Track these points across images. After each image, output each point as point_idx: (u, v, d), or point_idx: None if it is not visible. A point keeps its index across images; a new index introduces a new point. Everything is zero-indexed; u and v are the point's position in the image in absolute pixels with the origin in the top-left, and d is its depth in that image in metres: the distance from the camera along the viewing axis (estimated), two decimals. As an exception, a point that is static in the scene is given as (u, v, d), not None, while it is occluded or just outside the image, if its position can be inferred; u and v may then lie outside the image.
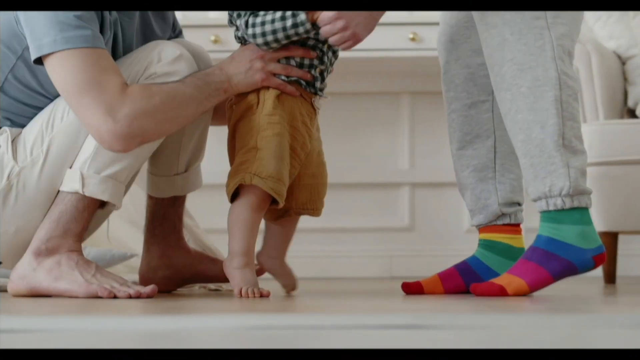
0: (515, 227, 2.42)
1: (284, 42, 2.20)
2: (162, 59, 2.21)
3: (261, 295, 2.15)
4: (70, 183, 2.18)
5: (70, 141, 2.20)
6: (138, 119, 2.11)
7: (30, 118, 2.25)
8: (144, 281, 2.44)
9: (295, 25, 2.17)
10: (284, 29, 2.18)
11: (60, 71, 2.12)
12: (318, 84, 2.27)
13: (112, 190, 2.19)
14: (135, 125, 2.11)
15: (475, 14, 2.25)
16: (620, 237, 3.69)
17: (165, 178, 2.39)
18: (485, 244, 2.41)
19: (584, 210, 2.20)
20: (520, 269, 2.19)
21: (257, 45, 2.22)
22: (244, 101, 2.23)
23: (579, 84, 2.25)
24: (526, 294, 2.17)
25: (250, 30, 2.20)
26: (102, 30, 2.21)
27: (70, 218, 2.18)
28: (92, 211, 2.21)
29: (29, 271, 2.19)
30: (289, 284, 2.35)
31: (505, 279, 2.19)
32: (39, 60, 2.15)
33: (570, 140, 2.18)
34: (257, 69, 2.22)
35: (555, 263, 2.18)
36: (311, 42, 2.25)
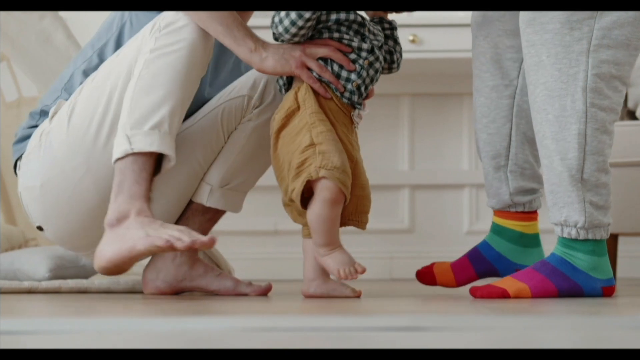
0: (529, 214, 2.39)
1: (299, 26, 2.21)
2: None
3: (360, 272, 2.18)
4: (118, 148, 2.21)
5: (92, 103, 2.30)
6: None
7: None
8: (144, 280, 2.45)
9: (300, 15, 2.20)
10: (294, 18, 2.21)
11: None
12: (355, 98, 2.26)
13: (159, 140, 2.20)
14: None
15: (520, 27, 2.21)
16: (620, 239, 3.70)
17: (193, 175, 2.41)
18: (496, 229, 2.39)
19: (599, 242, 2.19)
20: (526, 275, 2.18)
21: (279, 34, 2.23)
22: (284, 108, 2.22)
23: (617, 112, 2.18)
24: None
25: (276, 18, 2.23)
26: None
27: (131, 182, 2.20)
28: (149, 169, 2.22)
29: (105, 244, 2.20)
30: (346, 292, 2.27)
31: (508, 282, 2.18)
32: None
33: (591, 174, 2.15)
34: (294, 55, 2.23)
35: (563, 281, 2.17)
36: (353, 56, 2.25)
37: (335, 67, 2.24)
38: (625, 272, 3.93)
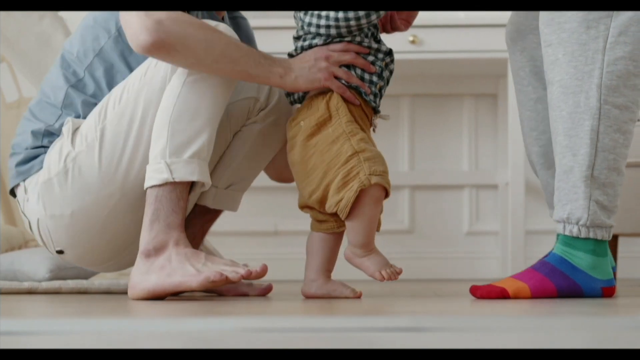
0: None
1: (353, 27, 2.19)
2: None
3: (399, 273, 2.19)
4: (157, 175, 2.16)
5: (123, 128, 2.22)
6: (170, 20, 2.11)
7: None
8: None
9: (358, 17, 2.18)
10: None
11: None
12: (377, 101, 2.26)
13: (199, 169, 2.17)
14: (165, 23, 2.10)
15: (540, 27, 2.21)
16: (621, 240, 3.70)
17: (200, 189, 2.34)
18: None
19: (600, 242, 2.18)
20: (526, 276, 2.18)
21: (324, 30, 2.20)
22: (314, 116, 2.20)
23: (633, 111, 2.17)
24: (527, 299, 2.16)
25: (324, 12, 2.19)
26: None
27: (169, 211, 2.16)
28: (186, 197, 2.19)
29: (142, 275, 2.17)
30: (347, 293, 2.27)
31: (507, 282, 2.18)
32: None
33: (600, 171, 2.15)
34: (320, 68, 2.20)
35: (562, 280, 2.17)
36: (371, 58, 2.24)
37: (358, 71, 2.23)
38: (625, 273, 3.93)
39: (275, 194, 4.13)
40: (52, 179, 2.26)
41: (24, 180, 2.31)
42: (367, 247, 2.20)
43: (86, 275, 2.80)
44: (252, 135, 2.41)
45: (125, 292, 2.63)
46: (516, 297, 2.16)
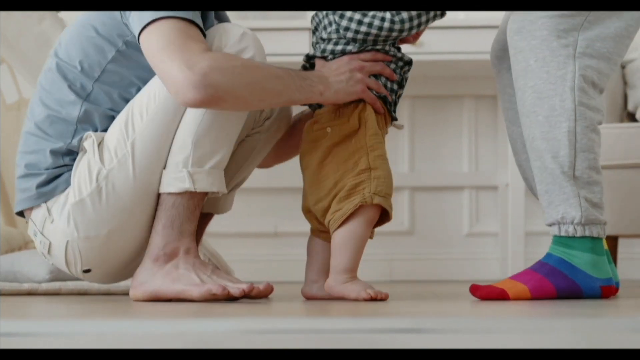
0: None
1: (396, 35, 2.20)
2: (226, 42, 2.19)
3: (382, 299, 2.15)
4: (178, 183, 2.16)
5: (154, 139, 2.18)
6: (214, 71, 2.06)
7: (115, 112, 2.24)
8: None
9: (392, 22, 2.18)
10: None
11: (151, 37, 2.11)
12: (395, 109, 2.27)
13: (219, 180, 2.18)
14: (211, 76, 2.05)
15: (508, 36, 2.25)
16: (620, 241, 3.70)
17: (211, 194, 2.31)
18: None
19: (596, 240, 2.19)
20: (525, 277, 2.18)
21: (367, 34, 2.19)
22: (345, 126, 2.20)
23: (602, 114, 2.22)
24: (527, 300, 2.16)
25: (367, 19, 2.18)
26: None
27: (184, 219, 2.17)
28: (201, 206, 2.20)
29: (148, 277, 2.18)
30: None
31: (507, 284, 2.18)
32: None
33: (582, 171, 2.17)
34: (357, 80, 2.20)
35: (561, 280, 2.17)
36: (392, 66, 2.24)
37: (382, 79, 2.24)
38: (625, 274, 3.93)
39: (275, 196, 4.14)
40: (85, 199, 2.18)
41: (45, 202, 2.24)
42: (352, 272, 2.18)
43: (86, 277, 2.80)
44: (257, 144, 2.41)
45: (124, 294, 2.63)
46: (516, 299, 2.16)
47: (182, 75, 2.05)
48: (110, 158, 2.18)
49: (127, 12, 2.18)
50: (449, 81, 4.10)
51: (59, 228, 2.21)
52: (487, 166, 4.15)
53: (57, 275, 2.74)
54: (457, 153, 4.15)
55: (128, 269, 2.31)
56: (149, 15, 2.12)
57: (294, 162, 2.40)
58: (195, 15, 2.15)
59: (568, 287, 2.18)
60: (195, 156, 2.16)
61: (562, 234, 2.19)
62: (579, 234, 2.18)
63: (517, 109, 2.38)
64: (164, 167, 2.19)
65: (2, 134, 3.42)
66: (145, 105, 2.18)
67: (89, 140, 2.20)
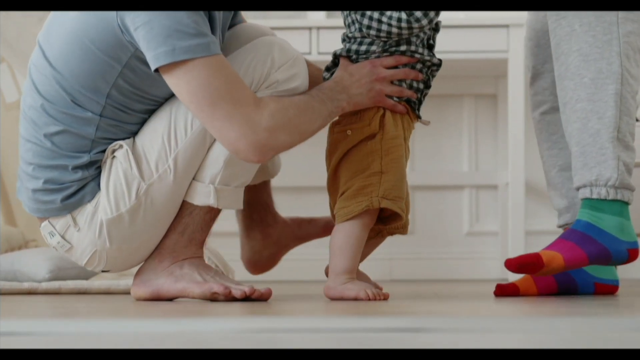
0: None
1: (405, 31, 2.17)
2: (279, 65, 2.18)
3: (385, 296, 2.16)
4: (203, 198, 2.18)
5: (195, 154, 2.16)
6: (277, 132, 2.08)
7: (134, 124, 2.18)
8: (251, 265, 2.45)
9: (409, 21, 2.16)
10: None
11: (184, 84, 2.05)
12: (420, 107, 2.27)
13: (240, 198, 2.22)
14: (274, 138, 2.08)
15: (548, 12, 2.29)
16: (620, 240, 3.68)
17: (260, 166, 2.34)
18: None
19: (624, 205, 2.24)
20: (558, 245, 2.21)
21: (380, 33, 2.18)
22: (364, 130, 2.21)
23: (639, 84, 2.28)
24: (561, 269, 2.18)
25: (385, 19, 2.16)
26: (212, 32, 2.14)
27: (197, 228, 2.21)
28: (216, 218, 2.23)
29: (152, 275, 2.21)
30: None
31: (541, 252, 2.19)
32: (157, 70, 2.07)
33: (624, 134, 2.23)
34: (377, 92, 2.20)
35: (592, 246, 2.21)
36: (419, 66, 2.24)
37: (407, 82, 2.24)
38: (625, 273, 3.93)
39: (278, 195, 4.13)
40: (123, 215, 2.15)
41: (70, 212, 2.19)
42: (351, 273, 2.18)
43: (86, 276, 2.80)
44: None
45: (125, 293, 2.64)
46: (549, 264, 2.16)
47: (245, 139, 2.06)
48: (150, 172, 2.15)
49: (131, 30, 2.05)
50: (449, 80, 4.10)
51: (87, 238, 2.18)
52: (487, 165, 4.15)
53: (57, 275, 2.74)
54: (457, 152, 4.15)
55: (141, 263, 2.32)
56: (165, 54, 2.03)
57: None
58: (212, 44, 2.06)
59: (598, 252, 2.22)
60: (224, 175, 2.17)
61: (594, 196, 2.22)
62: (610, 197, 2.21)
63: (550, 101, 2.43)
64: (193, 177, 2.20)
65: (2, 133, 3.42)
66: (191, 120, 2.14)
67: (122, 150, 2.15)
